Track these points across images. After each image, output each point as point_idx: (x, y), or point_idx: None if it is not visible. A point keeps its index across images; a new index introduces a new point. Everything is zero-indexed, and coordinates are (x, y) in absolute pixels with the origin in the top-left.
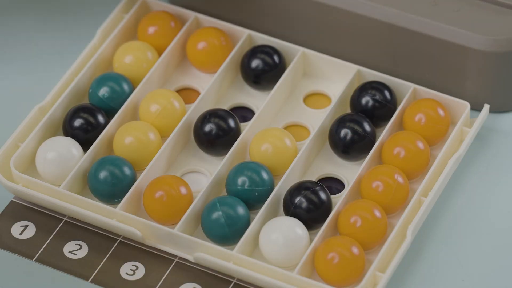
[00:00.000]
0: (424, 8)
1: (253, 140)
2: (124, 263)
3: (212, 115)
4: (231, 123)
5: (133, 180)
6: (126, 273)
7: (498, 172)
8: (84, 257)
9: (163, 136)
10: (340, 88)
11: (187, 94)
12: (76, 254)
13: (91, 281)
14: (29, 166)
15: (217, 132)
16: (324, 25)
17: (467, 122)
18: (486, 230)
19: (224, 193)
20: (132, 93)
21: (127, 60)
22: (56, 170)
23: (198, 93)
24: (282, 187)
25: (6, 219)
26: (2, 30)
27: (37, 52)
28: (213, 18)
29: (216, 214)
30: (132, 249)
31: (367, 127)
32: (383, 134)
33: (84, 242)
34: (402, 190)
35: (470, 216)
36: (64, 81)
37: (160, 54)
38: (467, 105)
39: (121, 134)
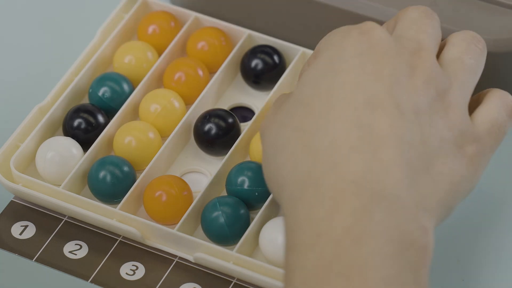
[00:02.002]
0: None
1: (253, 140)
2: (124, 263)
3: (212, 115)
4: (231, 123)
5: (133, 180)
6: (126, 273)
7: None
8: (84, 257)
9: (163, 136)
10: None
11: None
12: (76, 254)
13: (91, 281)
14: (29, 166)
15: (217, 132)
16: (324, 25)
17: None
18: (486, 230)
19: (224, 193)
20: (132, 93)
21: (127, 60)
22: (56, 170)
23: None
24: None
25: (6, 219)
26: (2, 29)
27: (37, 52)
28: (213, 18)
29: (216, 214)
30: (132, 249)
31: None
32: None
33: (84, 242)
34: None
35: (470, 216)
36: (64, 81)
37: (160, 54)
38: None
39: (121, 134)
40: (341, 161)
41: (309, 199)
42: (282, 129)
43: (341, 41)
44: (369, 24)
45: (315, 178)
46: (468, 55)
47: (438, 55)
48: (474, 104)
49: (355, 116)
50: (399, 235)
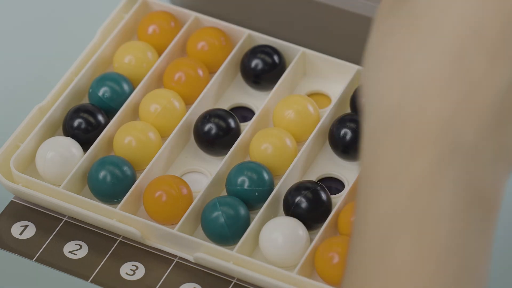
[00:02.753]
0: None
1: (253, 140)
2: (124, 263)
3: (212, 115)
4: (231, 123)
5: (133, 180)
6: (126, 273)
7: None
8: (84, 257)
9: (163, 136)
10: (340, 88)
11: None
12: (76, 254)
13: (91, 281)
14: (29, 166)
15: (217, 132)
16: (324, 25)
17: None
18: None
19: (224, 193)
20: (132, 93)
21: (127, 60)
22: (56, 170)
23: None
24: (282, 187)
25: (6, 219)
26: (2, 29)
27: (37, 52)
28: (213, 18)
29: (216, 214)
30: (132, 249)
31: None
32: None
33: (84, 242)
34: None
35: None
36: (64, 81)
37: (160, 54)
38: None
39: (121, 134)
40: (433, 97)
41: (391, 139)
42: (386, 39)
43: None
44: None
45: (401, 116)
46: None
47: None
48: None
49: (458, 50)
50: (472, 190)
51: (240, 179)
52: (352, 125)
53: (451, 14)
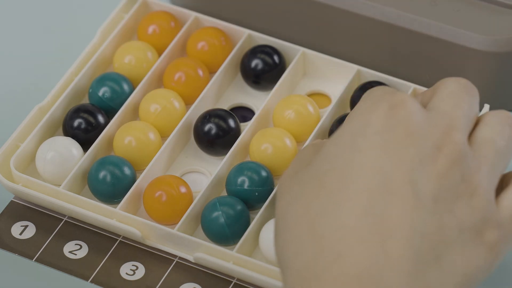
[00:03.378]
0: (424, 8)
1: (253, 140)
2: (124, 263)
3: (212, 115)
4: (231, 123)
5: (133, 180)
6: (126, 273)
7: None
8: (84, 257)
9: (163, 136)
10: (340, 88)
11: None
12: (76, 254)
13: (91, 281)
14: (29, 166)
15: (217, 132)
16: (324, 25)
17: None
18: None
19: (224, 193)
20: (132, 93)
21: (127, 60)
22: (56, 170)
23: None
24: None
25: (6, 219)
26: (2, 29)
27: (37, 52)
28: (213, 18)
29: (216, 214)
30: (132, 249)
31: None
32: None
33: (84, 242)
34: None
35: None
36: (64, 81)
37: (160, 54)
38: None
39: (121, 134)
40: (346, 252)
41: None
42: (293, 204)
43: (368, 114)
44: (400, 97)
45: (317, 271)
46: (501, 136)
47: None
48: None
49: (367, 201)
50: None
51: (240, 179)
52: None
53: (353, 172)
